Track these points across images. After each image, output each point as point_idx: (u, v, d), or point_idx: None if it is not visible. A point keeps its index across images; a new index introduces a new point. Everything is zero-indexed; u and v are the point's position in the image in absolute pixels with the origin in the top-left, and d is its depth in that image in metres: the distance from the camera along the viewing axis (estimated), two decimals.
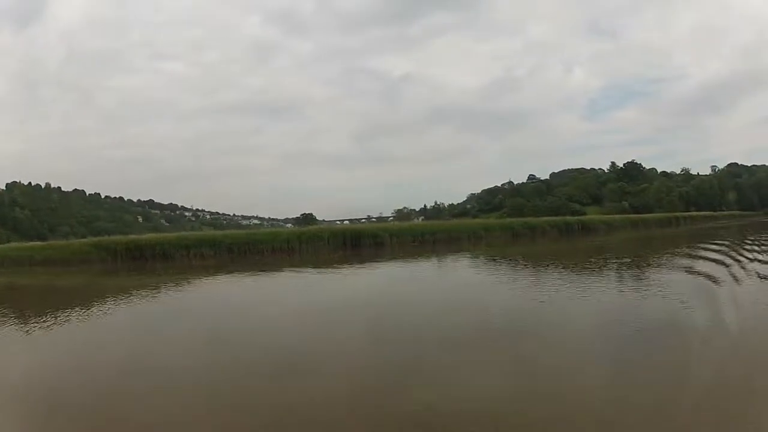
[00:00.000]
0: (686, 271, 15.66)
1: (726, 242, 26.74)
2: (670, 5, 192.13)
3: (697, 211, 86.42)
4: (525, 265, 22.86)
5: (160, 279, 23.12)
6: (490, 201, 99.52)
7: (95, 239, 43.27)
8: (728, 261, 17.49)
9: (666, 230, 54.04)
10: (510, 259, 25.36)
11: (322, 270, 24.12)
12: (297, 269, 24.37)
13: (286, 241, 33.88)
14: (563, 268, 19.57)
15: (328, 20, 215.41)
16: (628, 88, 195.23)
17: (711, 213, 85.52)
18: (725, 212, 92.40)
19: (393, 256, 29.35)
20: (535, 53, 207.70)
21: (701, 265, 16.80)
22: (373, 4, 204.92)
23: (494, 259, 25.68)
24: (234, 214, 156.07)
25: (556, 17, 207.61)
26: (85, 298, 16.89)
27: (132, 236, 49.56)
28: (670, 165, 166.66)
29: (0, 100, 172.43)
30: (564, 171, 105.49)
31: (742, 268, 15.45)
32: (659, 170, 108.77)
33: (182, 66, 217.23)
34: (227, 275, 23.30)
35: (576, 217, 55.23)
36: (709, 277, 13.80)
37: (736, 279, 13.26)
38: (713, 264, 16.97)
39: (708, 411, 5.15)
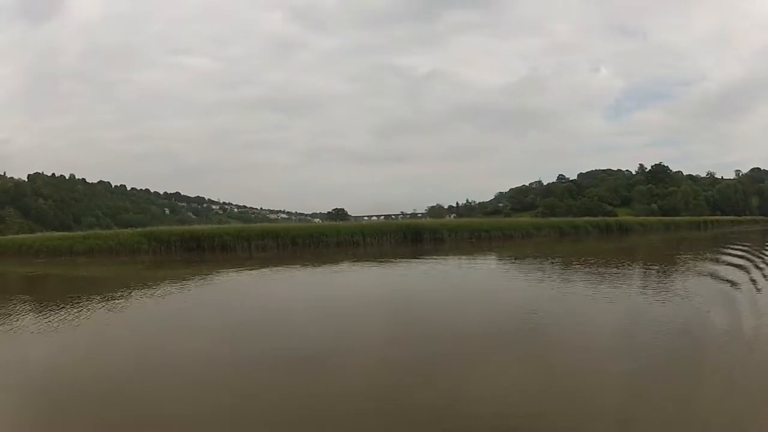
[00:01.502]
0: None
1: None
2: (690, 7, 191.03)
3: (721, 215, 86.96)
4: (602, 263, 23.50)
5: (212, 270, 23.02)
6: (521, 200, 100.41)
7: (146, 229, 42.44)
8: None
9: (696, 233, 54.44)
10: (581, 259, 25.74)
11: (384, 263, 24.38)
12: (359, 263, 24.89)
13: (350, 235, 34.82)
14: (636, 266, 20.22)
15: (351, 17, 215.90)
16: (649, 89, 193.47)
17: (735, 218, 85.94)
18: (748, 217, 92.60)
19: (455, 252, 29.90)
20: (559, 53, 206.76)
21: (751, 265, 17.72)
22: (397, 2, 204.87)
23: (555, 258, 25.64)
24: (261, 208, 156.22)
25: (579, 17, 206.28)
26: (134, 288, 16.60)
27: (187, 227, 50.35)
28: (691, 168, 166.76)
29: (20, 94, 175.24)
30: (591, 171, 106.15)
31: None
32: (680, 172, 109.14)
33: (204, 61, 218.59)
34: (286, 267, 22.92)
35: (615, 218, 55.98)
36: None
37: None
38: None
39: (726, 412, 5.10)
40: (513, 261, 24.10)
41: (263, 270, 22.05)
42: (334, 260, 25.85)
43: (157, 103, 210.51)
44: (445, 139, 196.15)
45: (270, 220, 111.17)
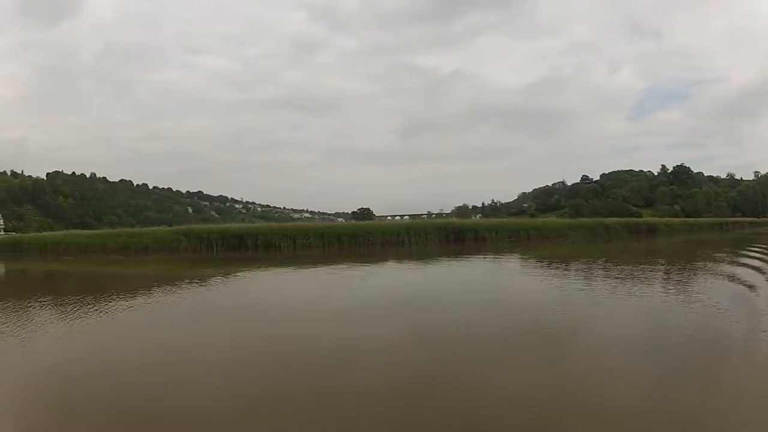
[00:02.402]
0: None
1: None
2: (704, 5, 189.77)
3: (742, 216, 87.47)
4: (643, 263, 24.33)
5: (251, 268, 23.09)
6: (546, 201, 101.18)
7: (184, 227, 42.53)
8: None
9: (719, 235, 54.20)
10: (625, 260, 25.55)
11: (428, 262, 24.46)
12: (403, 261, 25.17)
13: (395, 234, 36.11)
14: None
15: (371, 18, 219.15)
16: (669, 89, 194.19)
17: (755, 219, 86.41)
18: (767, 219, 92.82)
19: (497, 251, 30.30)
20: (578, 53, 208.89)
21: None
22: (416, 2, 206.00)
23: (605, 259, 24.71)
24: (284, 207, 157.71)
25: (597, 17, 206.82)
26: (184, 285, 16.61)
27: (227, 225, 50.76)
28: (710, 169, 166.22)
29: (36, 93, 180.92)
30: (614, 172, 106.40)
31: None
32: (701, 173, 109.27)
33: (221, 60, 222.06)
34: (328, 267, 22.68)
35: (643, 219, 56.97)
36: None
37: None
38: None
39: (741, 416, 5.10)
40: (558, 262, 23.02)
41: (305, 269, 22.29)
42: (378, 259, 26.36)
43: (174, 102, 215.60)
44: (465, 140, 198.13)
45: (293, 219, 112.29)
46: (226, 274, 20.11)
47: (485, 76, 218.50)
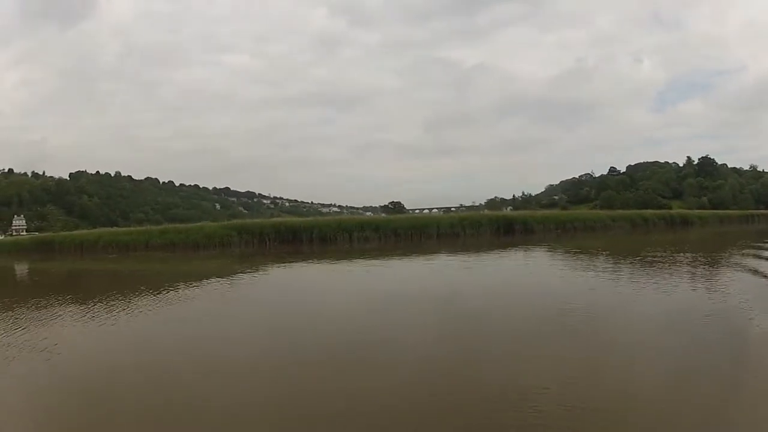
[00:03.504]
0: None
1: None
2: None
3: (765, 208, 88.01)
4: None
5: (310, 262, 24.08)
6: (577, 193, 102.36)
7: (234, 222, 43.15)
8: None
9: (747, 227, 55.17)
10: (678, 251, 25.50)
11: (482, 255, 25.05)
12: (456, 254, 25.67)
13: (450, 226, 37.68)
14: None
15: (395, 12, 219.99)
16: (691, 80, 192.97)
17: None
18: None
19: (547, 242, 31.21)
20: (601, 44, 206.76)
21: None
22: None
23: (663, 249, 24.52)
24: (312, 202, 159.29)
25: (618, 7, 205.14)
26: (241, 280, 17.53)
27: (280, 219, 50.20)
28: (733, 160, 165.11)
29: (54, 95, 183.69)
30: (640, 164, 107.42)
31: None
32: (725, 165, 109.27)
33: (246, 58, 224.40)
34: (382, 259, 23.43)
35: (677, 211, 58.41)
36: None
37: None
38: None
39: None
40: (616, 256, 22.15)
41: (360, 261, 23.19)
42: (432, 251, 26.88)
43: (200, 101, 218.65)
44: (493, 132, 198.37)
45: (322, 214, 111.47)
46: (287, 267, 21.45)
47: (511, 69, 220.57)
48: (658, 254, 21.28)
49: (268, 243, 34.14)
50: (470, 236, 36.72)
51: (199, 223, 44.73)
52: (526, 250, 26.76)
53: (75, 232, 45.44)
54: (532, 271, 18.40)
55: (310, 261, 24.88)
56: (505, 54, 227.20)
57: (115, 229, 46.81)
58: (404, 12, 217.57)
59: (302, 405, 5.77)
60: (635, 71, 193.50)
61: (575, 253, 24.38)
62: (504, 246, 30.00)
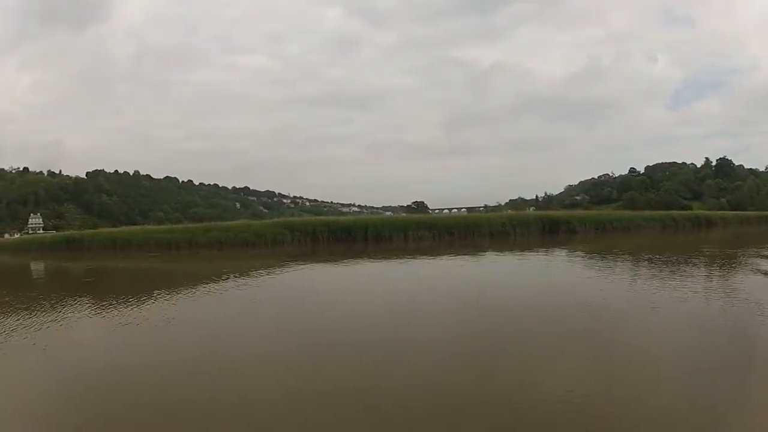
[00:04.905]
0: None
1: None
2: None
3: None
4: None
5: (361, 259, 25.81)
6: (598, 193, 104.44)
7: (284, 219, 44.26)
8: None
9: (767, 227, 56.62)
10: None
11: (525, 252, 26.74)
12: (503, 252, 27.49)
13: (501, 225, 40.19)
14: None
15: (410, 11, 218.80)
16: (705, 78, 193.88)
17: None
18: None
19: (588, 243, 33.20)
20: (616, 42, 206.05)
21: None
22: None
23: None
24: (332, 201, 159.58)
25: (632, 5, 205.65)
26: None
27: (334, 217, 52.32)
28: (749, 160, 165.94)
29: (69, 97, 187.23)
30: (658, 164, 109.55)
31: None
32: (742, 166, 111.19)
33: (262, 59, 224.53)
34: (431, 258, 25.23)
35: (703, 212, 61.28)
36: None
37: None
38: None
39: None
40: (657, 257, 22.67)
41: (413, 259, 25.27)
42: (483, 249, 28.79)
43: (217, 102, 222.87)
44: (510, 132, 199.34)
45: (342, 213, 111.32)
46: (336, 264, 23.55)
47: (527, 68, 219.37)
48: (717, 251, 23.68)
49: (321, 240, 35.52)
50: (520, 235, 38.91)
51: (245, 221, 46.22)
52: (591, 253, 26.97)
53: (103, 230, 45.88)
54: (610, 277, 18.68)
55: (372, 259, 26.60)
56: (521, 53, 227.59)
57: (151, 227, 46.99)
58: (419, 12, 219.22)
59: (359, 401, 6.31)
60: (650, 69, 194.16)
61: (645, 255, 24.52)
62: (553, 244, 32.04)
